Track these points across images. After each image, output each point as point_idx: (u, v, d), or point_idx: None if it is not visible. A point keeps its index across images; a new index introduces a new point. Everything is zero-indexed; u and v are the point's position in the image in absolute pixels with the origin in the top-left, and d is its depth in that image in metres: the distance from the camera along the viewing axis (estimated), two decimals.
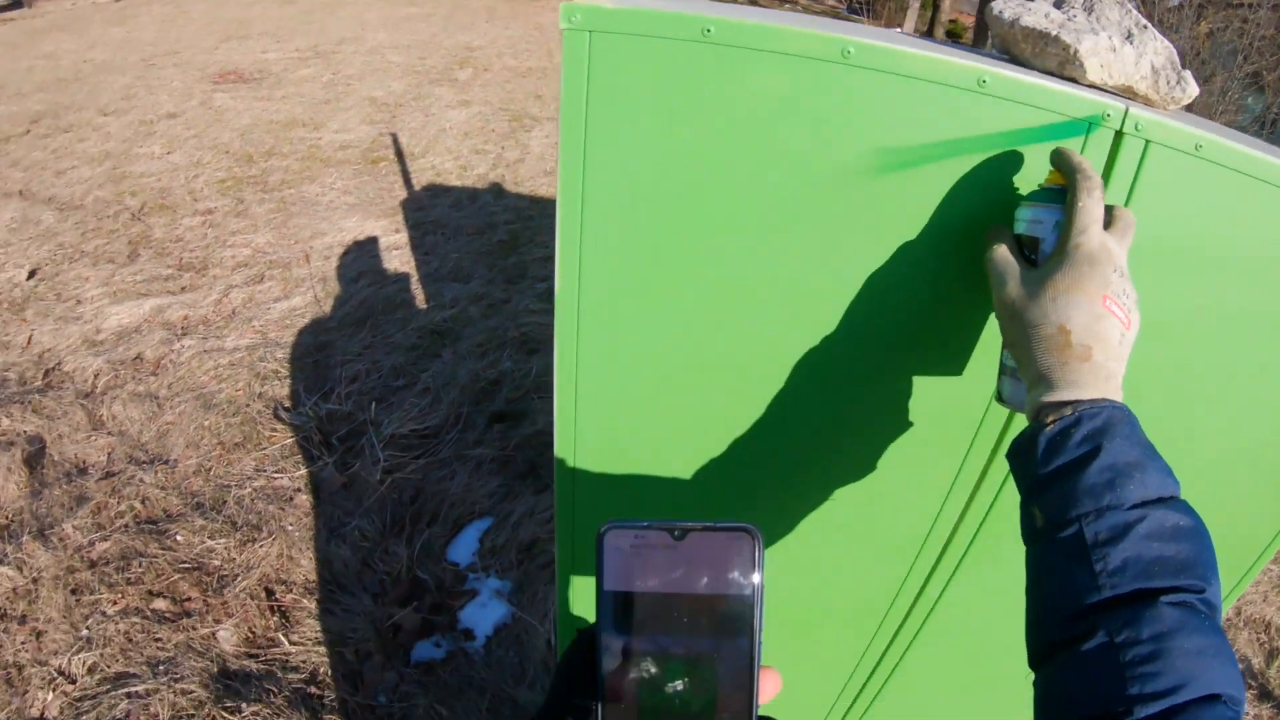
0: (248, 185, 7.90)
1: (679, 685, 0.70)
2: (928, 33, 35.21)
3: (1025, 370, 1.02)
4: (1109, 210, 1.04)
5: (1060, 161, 1.04)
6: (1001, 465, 1.45)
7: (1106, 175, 1.16)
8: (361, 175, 8.31)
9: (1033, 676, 0.87)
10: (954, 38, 41.64)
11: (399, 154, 8.98)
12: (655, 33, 1.10)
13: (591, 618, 0.73)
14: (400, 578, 3.38)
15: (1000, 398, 1.17)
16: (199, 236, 6.71)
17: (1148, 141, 1.14)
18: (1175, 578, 0.81)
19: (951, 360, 1.35)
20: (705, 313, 1.30)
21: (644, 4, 1.15)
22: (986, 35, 30.06)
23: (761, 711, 0.74)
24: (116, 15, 20.90)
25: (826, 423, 1.42)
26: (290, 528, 3.59)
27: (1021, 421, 1.27)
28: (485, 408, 4.53)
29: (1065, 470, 0.90)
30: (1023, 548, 0.96)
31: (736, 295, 1.28)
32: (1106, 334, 0.96)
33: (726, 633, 0.70)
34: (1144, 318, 1.10)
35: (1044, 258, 1.04)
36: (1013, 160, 1.16)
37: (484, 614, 3.31)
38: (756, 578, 0.70)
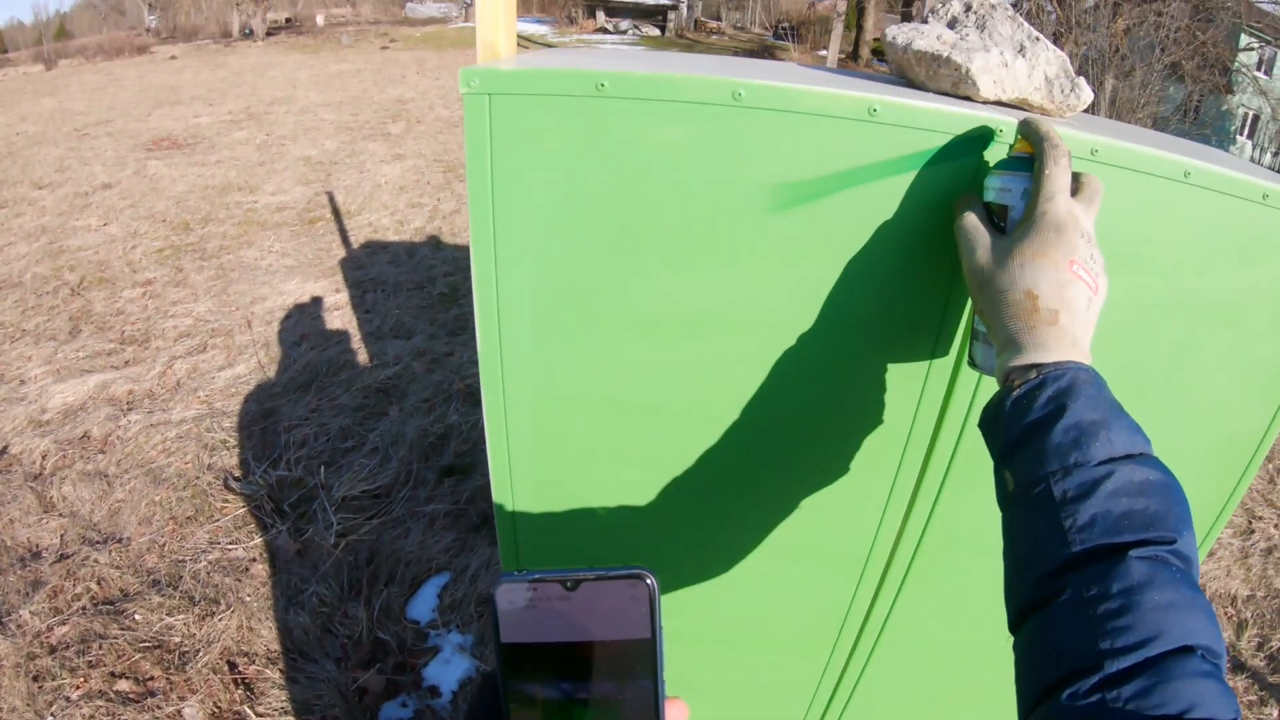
0: (186, 253, 7.89)
1: None
2: (853, 53, 35.75)
3: (994, 335, 1.04)
4: (1076, 178, 1.06)
5: (1028, 131, 1.06)
6: (935, 476, 1.48)
7: None
8: (299, 236, 8.33)
9: (998, 677, 0.88)
10: (880, 55, 42.04)
11: (335, 213, 9.00)
12: (551, 91, 1.15)
13: None
14: (362, 640, 3.40)
15: (972, 362, 1.20)
16: (140, 308, 6.70)
17: None
18: (1144, 531, 0.82)
19: (869, 378, 1.38)
20: (623, 350, 1.34)
21: (542, 63, 1.22)
22: None
23: None
24: (47, 85, 20.79)
25: (754, 447, 1.45)
26: (248, 598, 3.60)
27: (953, 425, 1.37)
28: (435, 463, 4.56)
29: (1032, 431, 0.92)
30: (969, 555, 0.98)
31: (652, 331, 1.32)
32: (1073, 299, 0.98)
33: (629, 676, 0.72)
34: None
35: (1013, 225, 1.06)
36: (908, 184, 1.19)
37: (448, 670, 3.33)
38: (654, 620, 0.72)
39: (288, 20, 46.00)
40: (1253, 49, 28.12)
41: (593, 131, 1.17)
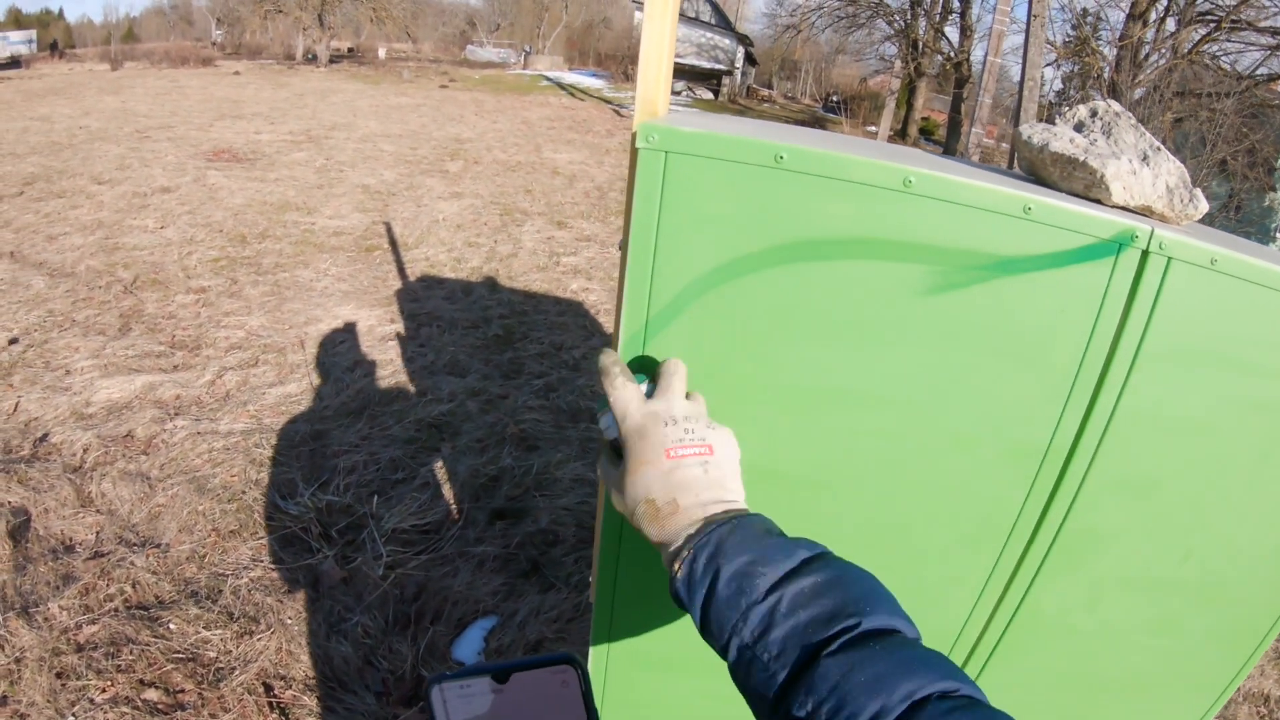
0: (241, 265, 7.90)
1: None
2: (902, 130, 36.23)
3: (651, 542, 1.10)
4: (655, 378, 1.17)
5: (597, 366, 1.16)
6: (1033, 562, 1.52)
7: (1133, 291, 1.25)
8: (355, 263, 8.33)
9: None
10: (926, 134, 42.65)
11: (392, 243, 9.02)
12: (730, 157, 1.17)
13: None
14: (404, 676, 3.30)
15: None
16: (192, 315, 6.68)
17: (1170, 259, 1.22)
18: (827, 628, 0.86)
19: (987, 463, 1.40)
20: (765, 419, 1.35)
21: (713, 127, 1.23)
22: (958, 131, 30.82)
23: None
24: (111, 84, 21.09)
25: (868, 521, 1.47)
26: (289, 621, 3.50)
27: (1057, 513, 1.43)
28: (486, 504, 4.47)
29: (706, 602, 0.96)
30: (1051, 639, 0.97)
31: (794, 404, 1.34)
32: (685, 480, 1.06)
33: None
34: (1170, 415, 1.30)
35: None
36: (1051, 281, 1.24)
37: None
38: (586, 705, 0.77)
39: (350, 50, 46.79)
40: None
41: (765, 201, 1.20)
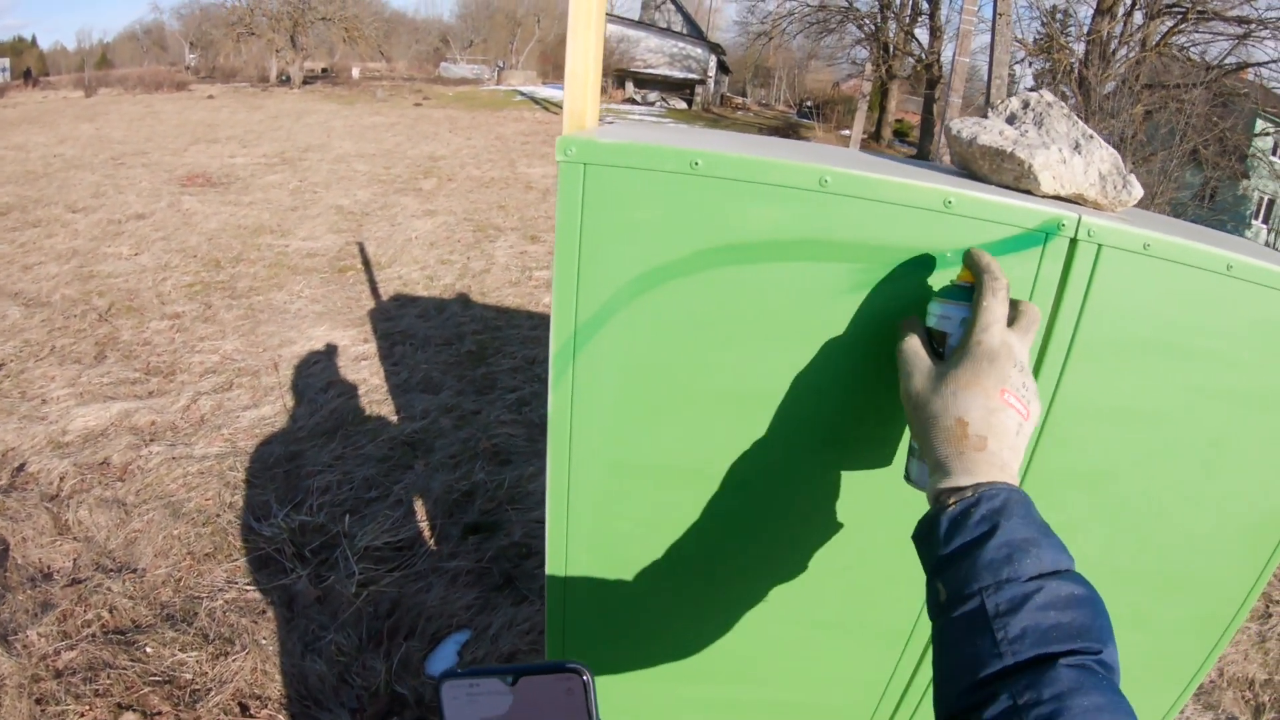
0: (216, 290, 7.91)
1: None
2: (876, 133, 36.28)
3: (926, 456, 1.07)
4: (1015, 306, 1.11)
5: (971, 261, 1.11)
6: None
7: (1063, 280, 1.25)
8: (329, 284, 8.35)
9: None
10: (901, 136, 42.76)
11: (366, 263, 9.03)
12: (646, 165, 1.19)
13: None
14: (379, 693, 3.33)
15: (908, 478, 1.22)
16: (166, 340, 6.70)
17: (1100, 245, 1.22)
18: (1072, 642, 0.85)
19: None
20: (699, 422, 1.36)
21: (635, 137, 1.26)
22: (932, 132, 30.89)
23: None
24: (86, 111, 21.02)
25: (813, 520, 1.47)
26: (264, 641, 3.54)
27: None
28: (459, 519, 4.51)
29: (966, 548, 0.95)
30: None
31: (729, 403, 1.34)
32: (1003, 426, 1.02)
33: None
34: (1112, 406, 1.26)
35: (950, 352, 1.11)
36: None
37: None
38: (589, 711, 0.77)
39: (324, 70, 46.71)
40: (1268, 134, 28.73)
41: (684, 207, 1.21)
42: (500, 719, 0.76)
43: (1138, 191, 1.34)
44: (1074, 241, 1.22)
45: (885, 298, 1.25)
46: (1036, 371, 1.31)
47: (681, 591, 1.57)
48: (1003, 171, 1.35)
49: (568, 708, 0.77)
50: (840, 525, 1.47)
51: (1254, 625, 4.48)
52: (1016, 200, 1.22)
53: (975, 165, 1.41)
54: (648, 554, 1.52)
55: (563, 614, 1.61)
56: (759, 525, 1.48)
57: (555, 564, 1.54)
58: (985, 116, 1.47)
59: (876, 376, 1.30)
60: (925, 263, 1.23)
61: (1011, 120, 1.43)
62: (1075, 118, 1.39)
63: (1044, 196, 1.32)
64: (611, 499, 1.46)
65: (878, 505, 1.44)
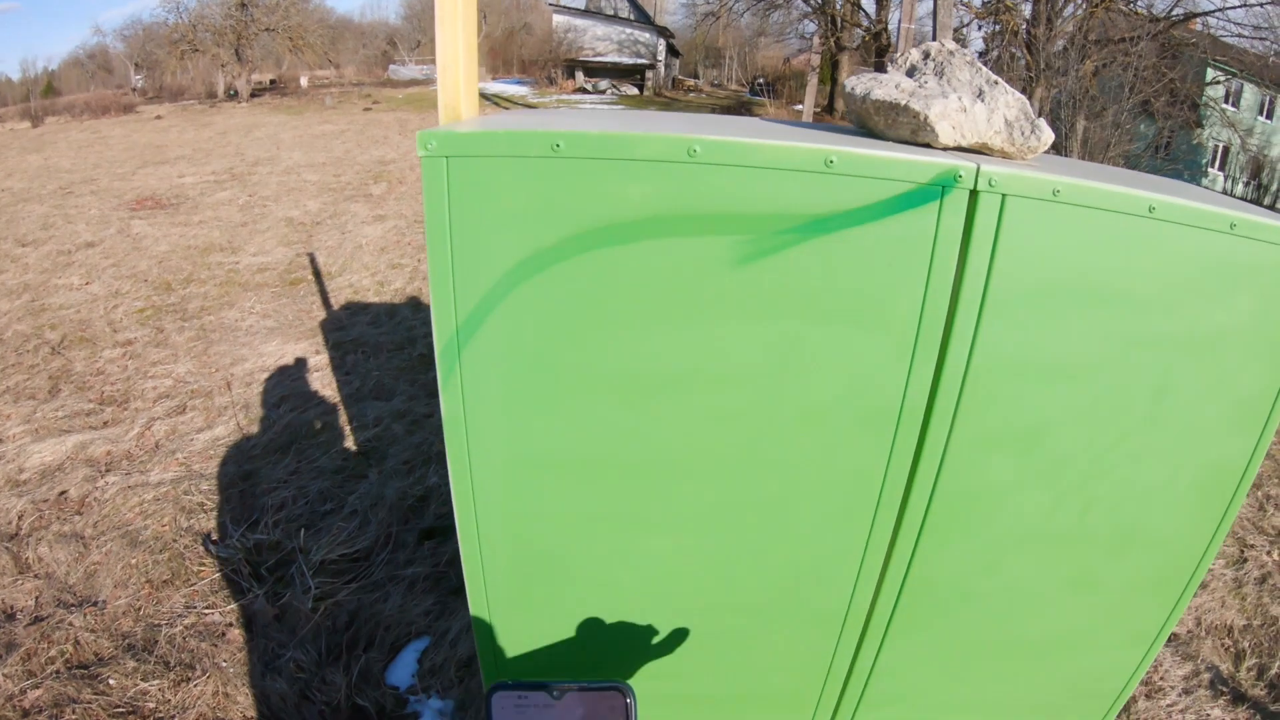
0: (167, 313, 7.88)
1: None
2: (828, 106, 36.21)
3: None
4: None
5: None
6: (912, 525, 1.48)
7: (966, 233, 1.22)
8: (280, 298, 8.33)
9: None
10: None
11: (317, 274, 9.01)
12: (508, 152, 1.19)
13: None
14: (340, 707, 3.36)
15: None
16: (120, 369, 6.68)
17: (1004, 195, 1.20)
18: None
19: (839, 430, 1.39)
20: (592, 410, 1.36)
21: (501, 125, 1.25)
22: None
23: None
24: (34, 142, 20.80)
25: (727, 502, 1.46)
26: (225, 664, 3.57)
27: (928, 471, 1.41)
28: (415, 525, 4.54)
29: None
30: (951, 603, 0.97)
31: (621, 389, 1.34)
32: None
33: None
34: (1038, 361, 1.25)
35: None
36: (870, 234, 1.22)
37: None
38: None
39: (272, 81, 46.22)
40: (1219, 82, 28.83)
41: (550, 191, 1.20)
42: None
43: (1048, 136, 1.31)
44: (974, 193, 1.19)
45: (775, 268, 1.23)
46: (949, 331, 1.28)
47: (602, 587, 1.57)
48: (899, 126, 1.32)
49: None
50: (755, 506, 1.46)
51: (1229, 571, 4.51)
52: (906, 154, 1.19)
53: (870, 122, 1.39)
54: (563, 552, 1.52)
55: (488, 618, 1.61)
56: (669, 513, 1.46)
57: (472, 569, 1.54)
58: (884, 70, 1.44)
59: (767, 350, 1.28)
60: (815, 228, 1.20)
61: (911, 73, 1.40)
62: (979, 65, 1.36)
63: (945, 149, 1.29)
64: (517, 497, 1.45)
65: (793, 484, 1.43)
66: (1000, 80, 1.34)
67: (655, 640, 1.64)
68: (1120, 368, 1.36)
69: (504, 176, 1.19)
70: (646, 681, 1.67)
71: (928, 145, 1.31)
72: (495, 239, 1.23)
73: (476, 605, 1.61)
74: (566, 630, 1.64)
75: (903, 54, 1.44)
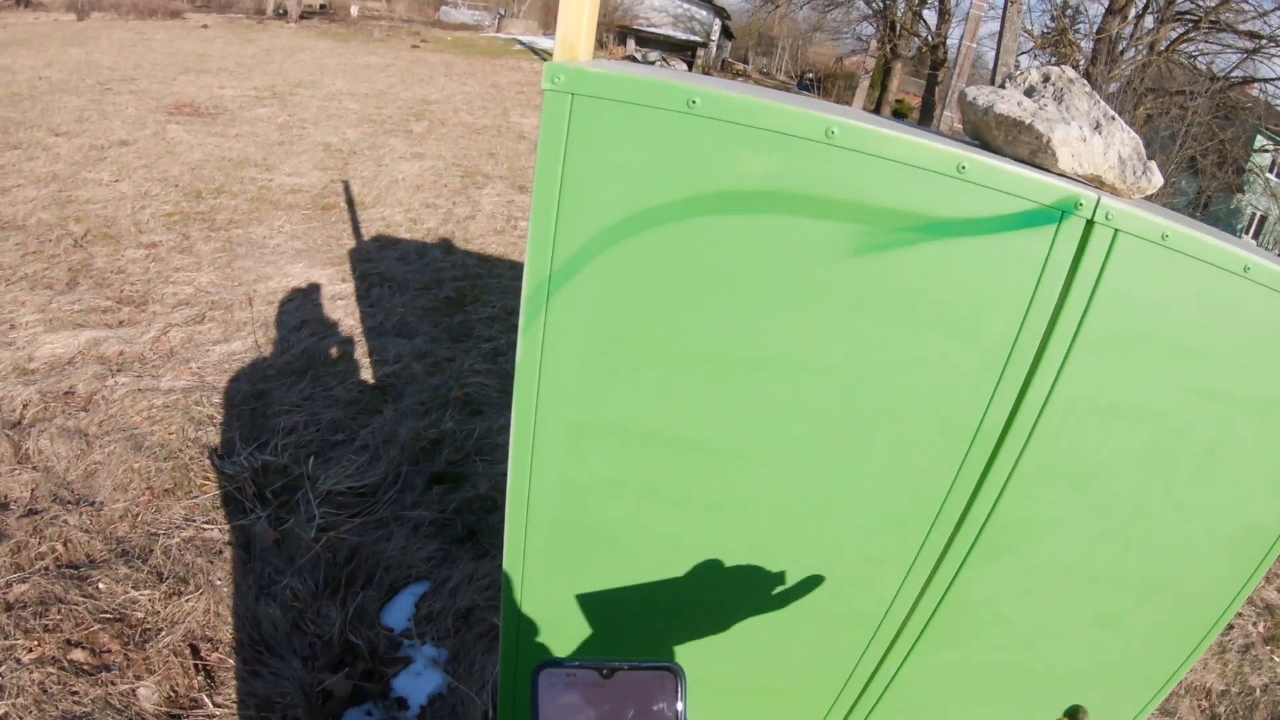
0: (195, 221, 7.81)
1: None
2: (875, 110, 36.27)
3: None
4: None
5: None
6: (963, 544, 1.47)
7: (1075, 263, 1.20)
8: (310, 221, 8.26)
9: None
10: (900, 116, 42.80)
11: (349, 202, 8.94)
12: (639, 100, 1.12)
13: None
14: (332, 642, 3.28)
15: None
16: (141, 270, 6.60)
17: (1117, 230, 1.18)
18: None
19: (916, 438, 1.36)
20: (670, 383, 1.31)
21: (629, 71, 1.19)
22: (932, 115, 30.89)
23: None
24: (76, 35, 20.78)
25: (786, 493, 1.43)
26: (219, 583, 3.49)
27: (990, 493, 1.39)
28: (425, 468, 4.46)
29: None
30: (982, 625, 0.96)
31: (704, 366, 1.29)
32: None
33: None
34: (1111, 401, 1.25)
35: None
36: (986, 247, 1.19)
37: (419, 683, 3.21)
38: (680, 708, 0.78)
39: (322, 6, 46.18)
40: (1267, 150, 29.05)
41: (677, 149, 1.15)
42: (594, 708, 0.77)
43: (1158, 179, 1.30)
44: (1090, 223, 1.18)
45: (885, 264, 1.20)
46: (1036, 364, 1.27)
47: (646, 564, 1.54)
48: (1018, 144, 1.30)
49: (660, 702, 0.78)
50: (814, 500, 1.43)
51: (1215, 636, 4.50)
52: (1036, 174, 1.18)
53: (989, 135, 1.36)
54: (612, 523, 1.48)
55: (521, 574, 1.57)
56: (728, 497, 1.44)
57: (515, 526, 1.50)
58: (1003, 86, 1.41)
59: (859, 345, 1.25)
60: (934, 230, 1.18)
61: (1030, 93, 1.38)
62: (1097, 97, 1.34)
63: (1059, 174, 1.26)
64: (578, 460, 1.41)
65: (857, 483, 1.40)
66: (1117, 116, 1.33)
67: (690, 624, 1.62)
68: (1182, 418, 1.36)
69: (630, 124, 1.14)
70: (663, 657, 1.62)
71: (1044, 168, 1.28)
72: (608, 188, 1.17)
73: (512, 562, 1.56)
74: (601, 604, 1.61)
75: (1022, 73, 1.41)
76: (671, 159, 1.15)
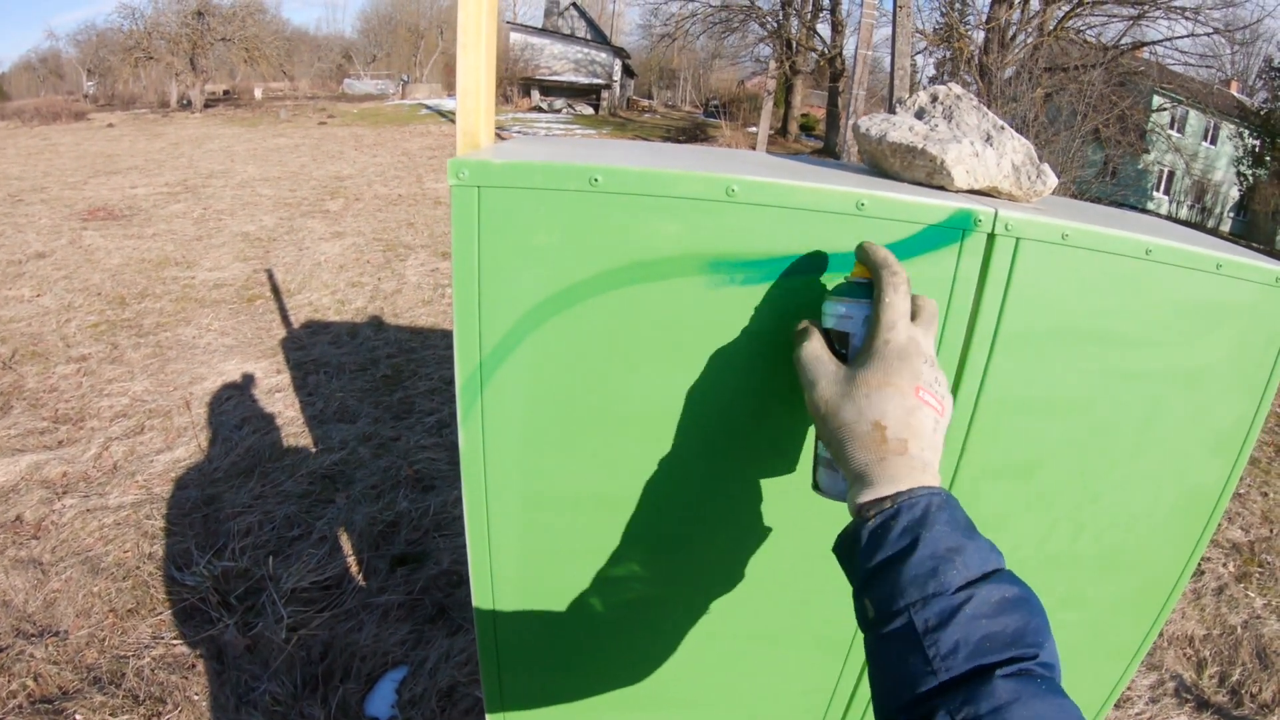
0: (122, 329, 7.75)
1: None
2: (782, 128, 36.66)
3: (842, 465, 1.03)
4: (914, 300, 1.09)
5: (866, 256, 1.09)
6: None
7: (983, 275, 1.25)
8: (238, 314, 8.22)
9: None
10: (807, 130, 43.33)
11: (275, 291, 8.91)
12: (545, 185, 1.16)
13: None
14: None
15: (817, 488, 1.19)
16: (74, 386, 6.54)
17: (1018, 239, 1.23)
18: (1007, 650, 0.83)
19: None
20: (615, 448, 1.34)
21: (530, 155, 1.23)
22: (838, 125, 31.33)
23: None
24: None
25: (744, 533, 1.46)
26: (196, 697, 3.46)
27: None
28: (386, 551, 4.46)
29: (889, 563, 0.92)
30: None
31: (644, 427, 1.32)
32: (921, 425, 0.99)
33: None
34: (1040, 396, 1.29)
35: (854, 352, 1.08)
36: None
37: None
38: None
39: (225, 92, 46.02)
40: (1165, 109, 29.78)
41: (586, 227, 1.18)
42: None
43: (1052, 181, 1.35)
44: (991, 236, 1.22)
45: (800, 306, 1.23)
46: (961, 368, 1.31)
47: (614, 619, 1.56)
48: (914, 168, 1.35)
49: None
50: (768, 538, 1.46)
51: (1188, 583, 4.59)
52: (930, 198, 1.22)
53: (886, 163, 1.41)
54: (576, 585, 1.51)
55: (495, 653, 1.59)
56: (686, 546, 1.47)
57: (482, 602, 1.52)
58: (893, 112, 1.47)
59: (792, 388, 1.26)
60: (845, 269, 1.21)
61: (920, 115, 1.43)
62: (985, 109, 1.39)
63: (957, 191, 1.32)
64: (533, 532, 1.43)
65: (806, 515, 1.43)
66: (1006, 126, 1.38)
67: (668, 681, 1.64)
68: (1112, 401, 1.41)
69: (539, 208, 1.17)
70: (647, 712, 1.70)
71: (941, 188, 1.33)
72: (525, 272, 1.21)
73: (485, 642, 1.58)
74: (575, 659, 1.63)
75: (912, 96, 1.46)
76: (582, 236, 1.18)
